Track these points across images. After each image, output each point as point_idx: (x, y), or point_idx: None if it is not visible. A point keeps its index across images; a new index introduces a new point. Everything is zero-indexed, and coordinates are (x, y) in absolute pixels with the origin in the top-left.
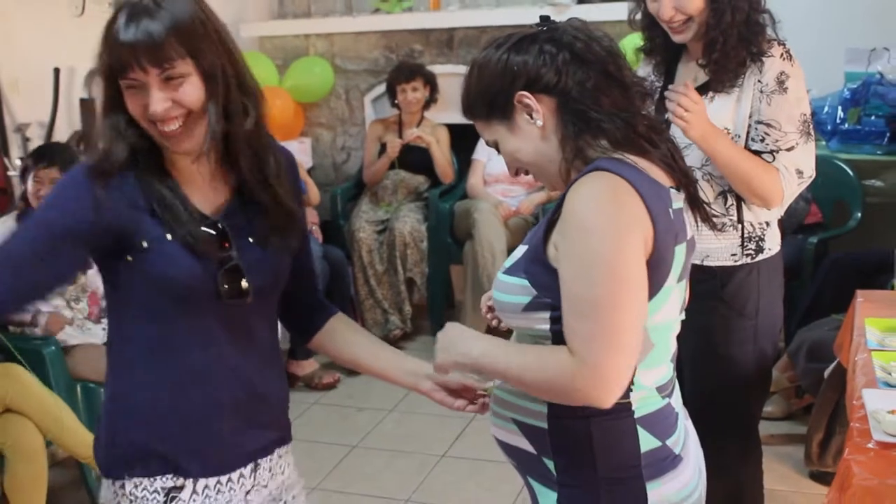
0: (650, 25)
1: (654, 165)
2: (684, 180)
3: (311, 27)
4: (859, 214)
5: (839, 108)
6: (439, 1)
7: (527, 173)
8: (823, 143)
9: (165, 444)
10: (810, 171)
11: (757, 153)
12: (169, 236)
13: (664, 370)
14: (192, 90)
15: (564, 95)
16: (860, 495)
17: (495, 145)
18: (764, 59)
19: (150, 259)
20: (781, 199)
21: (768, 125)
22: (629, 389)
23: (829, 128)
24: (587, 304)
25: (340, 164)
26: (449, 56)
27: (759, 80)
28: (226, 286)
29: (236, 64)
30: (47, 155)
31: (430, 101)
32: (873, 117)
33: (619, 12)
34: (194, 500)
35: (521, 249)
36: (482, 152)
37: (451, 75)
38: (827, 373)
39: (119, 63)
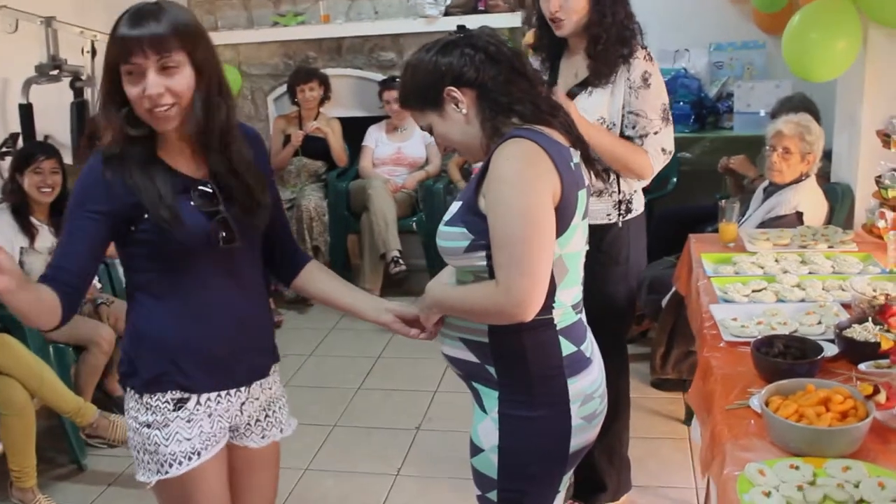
0: (541, 25)
1: (555, 132)
2: (579, 143)
3: (219, 39)
4: (675, 179)
5: None
6: (328, 16)
7: (454, 151)
8: None
9: (174, 368)
10: (671, 148)
11: (629, 138)
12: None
13: (576, 291)
14: (184, 80)
15: (482, 87)
16: (718, 380)
17: (429, 129)
18: (632, 60)
19: (150, 226)
20: (652, 173)
21: (637, 114)
22: (551, 306)
23: None
24: (504, 240)
25: None
26: (339, 61)
27: (628, 78)
28: (222, 234)
29: (219, 67)
30: (41, 150)
31: (324, 99)
32: (681, 103)
33: (482, 21)
34: (198, 409)
35: (456, 205)
36: (370, 140)
37: (341, 76)
38: (664, 302)
39: (125, 50)
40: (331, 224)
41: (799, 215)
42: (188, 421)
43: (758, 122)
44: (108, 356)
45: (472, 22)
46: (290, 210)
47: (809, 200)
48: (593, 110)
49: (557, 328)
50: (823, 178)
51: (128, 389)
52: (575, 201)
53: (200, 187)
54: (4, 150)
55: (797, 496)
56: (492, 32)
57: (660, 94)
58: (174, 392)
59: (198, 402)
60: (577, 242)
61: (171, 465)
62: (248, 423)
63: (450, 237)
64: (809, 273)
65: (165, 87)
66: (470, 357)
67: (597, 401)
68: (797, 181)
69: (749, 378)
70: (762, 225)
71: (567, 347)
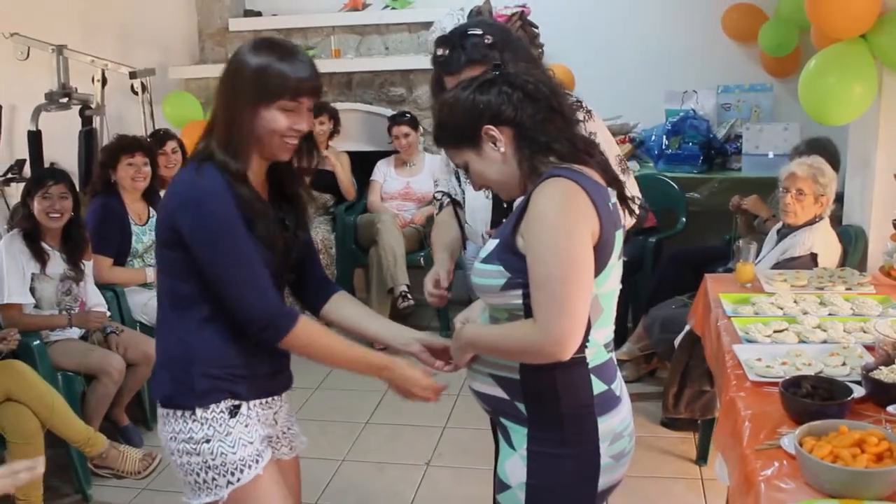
0: None
1: (593, 171)
2: (615, 182)
3: None
4: (684, 219)
5: (663, 136)
6: (339, 50)
7: (489, 188)
8: (652, 164)
9: (227, 377)
10: (638, 194)
11: None
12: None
13: (609, 330)
14: (311, 119)
15: (520, 126)
16: (746, 420)
17: (465, 167)
18: (579, 120)
19: None
20: (632, 220)
21: None
22: (584, 345)
23: (656, 152)
24: (543, 279)
25: None
26: (348, 95)
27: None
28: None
29: None
30: (50, 175)
31: (333, 132)
32: (690, 144)
33: None
34: (248, 414)
35: (492, 243)
36: (379, 174)
37: (350, 111)
38: (677, 341)
39: (298, 89)
40: (338, 257)
41: (813, 257)
42: (246, 426)
43: (766, 164)
44: (118, 385)
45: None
46: None
47: (824, 242)
48: None
49: (589, 366)
50: (835, 220)
51: (170, 412)
52: (612, 241)
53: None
54: (10, 175)
55: None
56: (528, 70)
57: (610, 145)
58: (227, 401)
59: (248, 407)
60: (612, 282)
61: (242, 472)
62: (279, 434)
63: (486, 275)
64: (829, 314)
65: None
66: (499, 393)
67: (626, 439)
68: (811, 223)
69: (777, 418)
70: (776, 266)
71: (598, 386)
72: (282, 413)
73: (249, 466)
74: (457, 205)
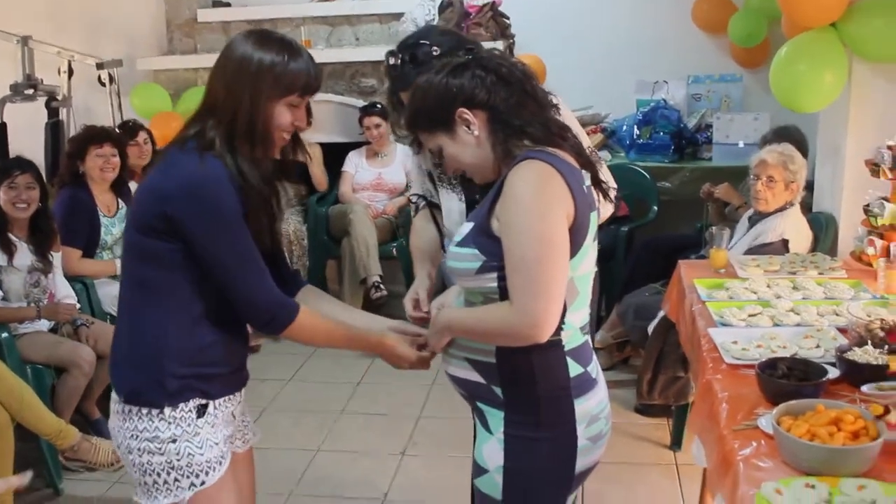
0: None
1: (566, 154)
2: (589, 165)
3: (199, 62)
4: (656, 208)
5: (634, 126)
6: (310, 41)
7: (463, 173)
8: (623, 154)
9: (198, 375)
10: (612, 183)
11: None
12: None
13: (585, 313)
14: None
15: (494, 109)
16: (723, 402)
17: (438, 151)
18: None
19: None
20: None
21: None
22: (560, 328)
23: (627, 142)
24: (519, 262)
25: None
26: None
27: None
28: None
29: None
30: (16, 165)
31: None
32: (661, 133)
33: None
34: (215, 413)
35: (467, 226)
36: (350, 165)
37: (321, 101)
38: (651, 328)
39: (308, 86)
40: (310, 248)
41: (785, 243)
42: (212, 426)
43: (736, 154)
44: (89, 378)
45: None
46: None
47: (795, 228)
48: None
49: (565, 349)
50: (805, 208)
51: (133, 408)
52: (587, 223)
53: None
54: None
55: None
56: (502, 54)
57: (582, 138)
58: (196, 400)
59: (215, 406)
60: (587, 264)
61: (207, 474)
62: (235, 429)
63: (461, 258)
64: (803, 298)
65: None
66: (476, 377)
67: (602, 421)
68: (782, 209)
69: (753, 400)
70: (748, 252)
71: (574, 368)
72: (239, 408)
73: (214, 469)
74: (433, 207)
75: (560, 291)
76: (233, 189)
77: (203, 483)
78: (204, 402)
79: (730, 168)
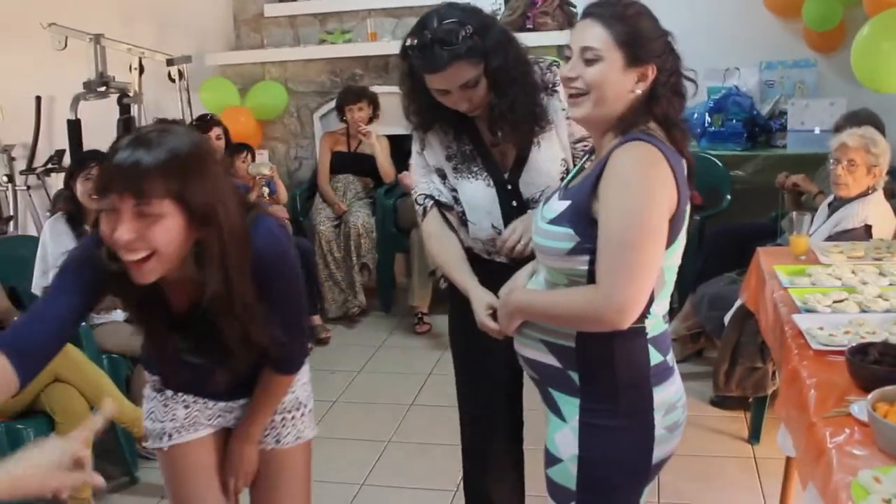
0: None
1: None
2: (688, 155)
3: (266, 56)
4: (729, 197)
5: (706, 114)
6: (376, 34)
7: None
8: (695, 142)
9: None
10: None
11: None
12: None
13: (667, 302)
14: (165, 233)
15: (662, 74)
16: (811, 388)
17: (599, 76)
18: (556, 89)
19: None
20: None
21: (582, 140)
22: (645, 316)
23: (698, 130)
24: (614, 244)
25: (294, 171)
26: (386, 78)
27: (562, 109)
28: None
29: (232, 208)
30: (92, 157)
31: (373, 118)
32: (734, 121)
33: (532, 39)
34: (175, 397)
35: (561, 204)
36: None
37: (388, 94)
38: (727, 318)
39: (103, 184)
40: (379, 241)
41: (868, 228)
42: (165, 406)
43: (812, 140)
44: None
45: (521, 40)
46: (337, 227)
47: (878, 213)
48: (554, 157)
49: (648, 336)
50: (888, 195)
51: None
52: (685, 214)
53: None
54: (51, 165)
55: None
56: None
57: None
58: (153, 377)
59: (175, 393)
60: (678, 256)
61: (149, 440)
62: (228, 421)
63: (554, 237)
64: (890, 284)
65: (140, 234)
66: (551, 361)
67: (679, 410)
68: (864, 195)
69: (843, 386)
70: (829, 239)
71: (655, 357)
72: (235, 413)
73: (159, 438)
74: (442, 207)
75: (651, 279)
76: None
77: (153, 443)
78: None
79: (805, 155)
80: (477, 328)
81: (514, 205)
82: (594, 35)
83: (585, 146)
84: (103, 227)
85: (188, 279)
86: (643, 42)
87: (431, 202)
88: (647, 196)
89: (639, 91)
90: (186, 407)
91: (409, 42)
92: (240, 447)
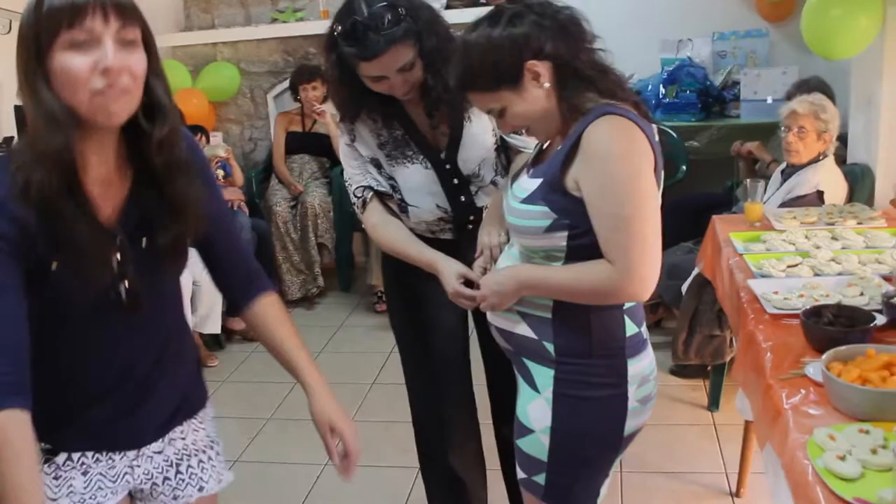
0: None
1: (629, 107)
2: (650, 118)
3: (218, 37)
4: (684, 167)
5: (660, 86)
6: (328, 11)
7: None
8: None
9: (42, 417)
10: None
11: (514, 148)
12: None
13: None
14: (141, 60)
15: (559, 59)
16: (767, 352)
17: (498, 112)
18: None
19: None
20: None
21: None
22: None
23: (653, 102)
24: (619, 220)
25: (248, 152)
26: None
27: None
28: (124, 301)
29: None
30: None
31: (327, 96)
32: (688, 92)
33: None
34: (68, 465)
35: (532, 182)
36: None
37: None
38: (684, 287)
39: (73, 10)
40: (336, 221)
41: (820, 194)
42: (55, 478)
43: (765, 110)
44: None
45: (475, 17)
46: (294, 208)
47: (830, 179)
48: (485, 127)
49: (623, 307)
50: (839, 161)
51: None
52: (661, 177)
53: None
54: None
55: (873, 459)
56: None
57: None
58: (41, 442)
59: (69, 458)
60: None
61: None
62: (154, 483)
63: (529, 216)
64: (843, 248)
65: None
66: (527, 332)
67: (651, 383)
68: (815, 161)
69: (798, 348)
70: (783, 205)
71: (630, 328)
72: (151, 461)
73: None
74: (382, 196)
75: (659, 242)
76: None
77: None
78: (48, 446)
79: (759, 124)
80: (421, 305)
81: (455, 182)
82: (480, 100)
83: None
84: (79, 67)
85: (115, 169)
86: (495, 69)
87: (371, 193)
88: (635, 169)
89: (546, 85)
90: (85, 473)
91: (337, 30)
92: (332, 407)
